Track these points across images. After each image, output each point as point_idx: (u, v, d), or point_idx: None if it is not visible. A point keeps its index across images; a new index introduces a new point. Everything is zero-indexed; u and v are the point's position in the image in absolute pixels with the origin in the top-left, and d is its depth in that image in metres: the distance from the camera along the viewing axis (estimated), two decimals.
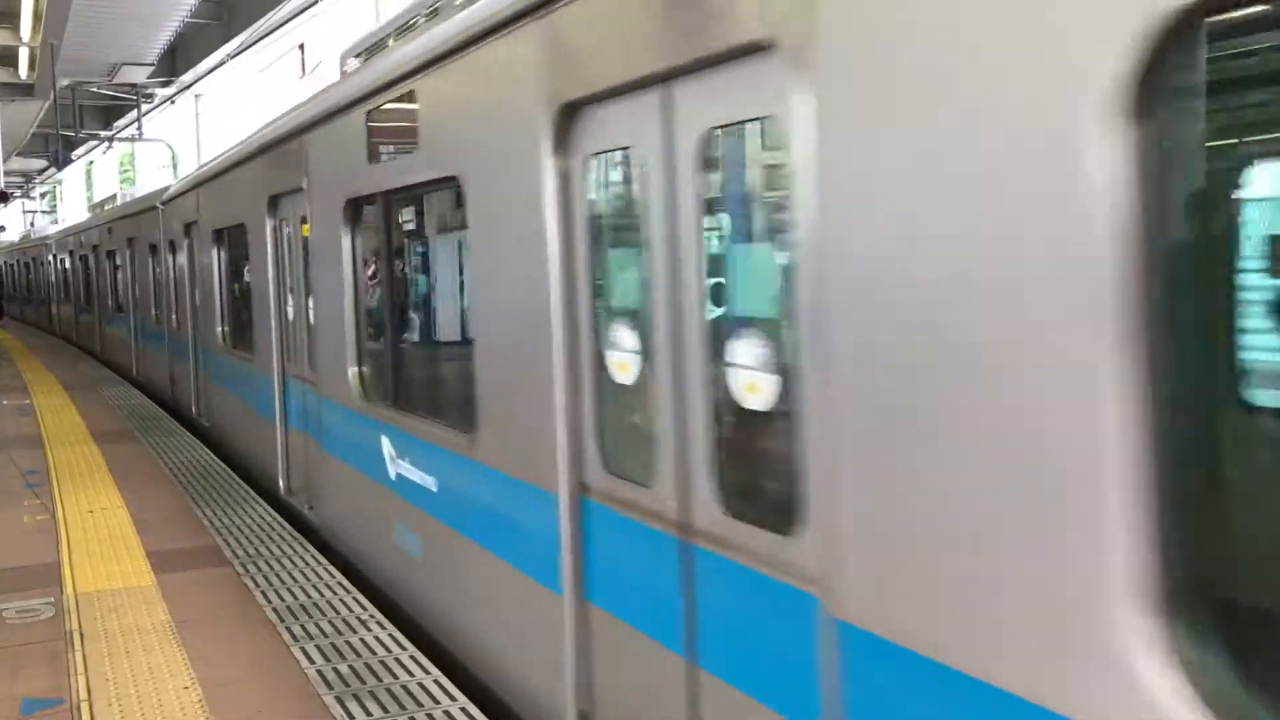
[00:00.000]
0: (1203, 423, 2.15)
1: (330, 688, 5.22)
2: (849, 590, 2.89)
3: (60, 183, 55.81)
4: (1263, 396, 2.23)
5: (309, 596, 6.60)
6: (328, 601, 6.50)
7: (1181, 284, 2.09)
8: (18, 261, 44.53)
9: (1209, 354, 2.21)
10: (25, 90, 27.76)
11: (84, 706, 5.08)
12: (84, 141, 32.31)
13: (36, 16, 22.39)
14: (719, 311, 3.67)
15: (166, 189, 16.41)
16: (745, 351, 3.49)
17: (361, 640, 5.84)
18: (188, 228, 13.92)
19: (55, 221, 50.30)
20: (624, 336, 4.12)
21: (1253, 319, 2.19)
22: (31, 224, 53.17)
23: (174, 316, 15.47)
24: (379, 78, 6.44)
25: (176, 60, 27.48)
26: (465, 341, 5.81)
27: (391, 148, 6.38)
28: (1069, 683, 2.21)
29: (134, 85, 28.00)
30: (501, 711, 5.20)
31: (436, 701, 5.02)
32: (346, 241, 7.25)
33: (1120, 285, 2.08)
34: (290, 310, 9.08)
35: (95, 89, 28.26)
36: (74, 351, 25.63)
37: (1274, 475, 2.27)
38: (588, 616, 4.44)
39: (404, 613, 6.54)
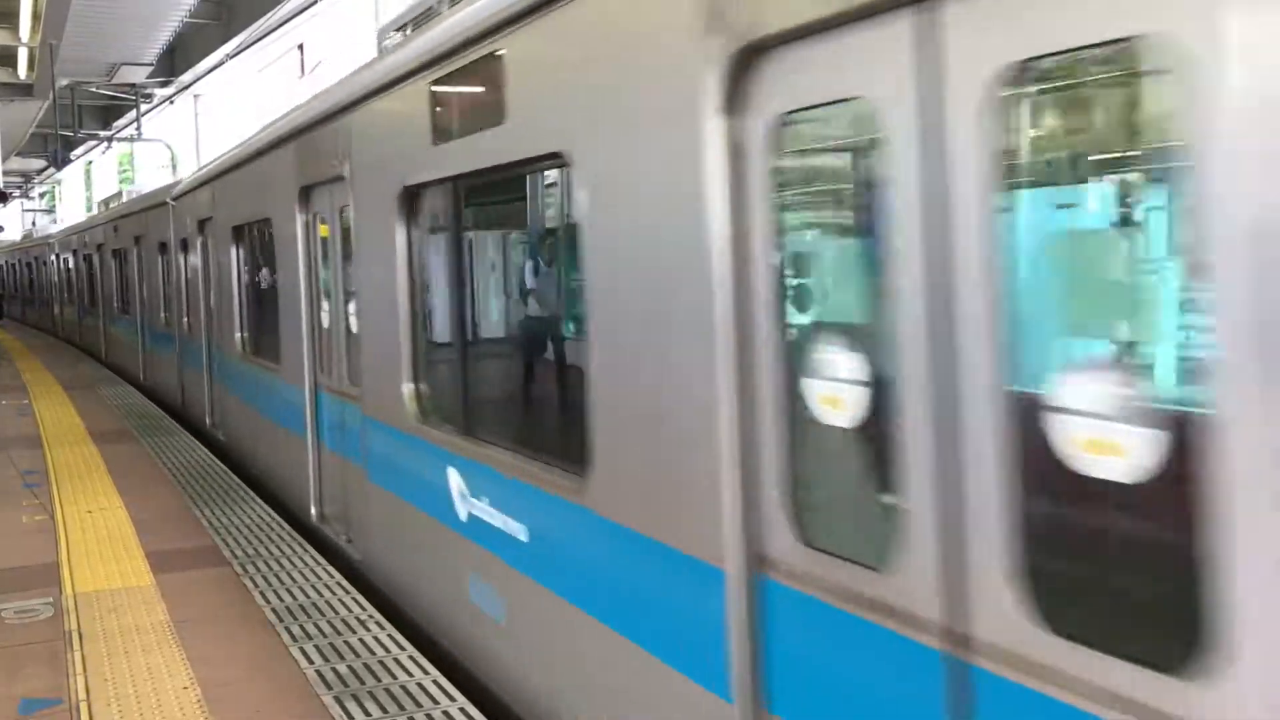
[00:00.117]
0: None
1: (329, 688, 5.22)
2: None
3: (59, 183, 55.78)
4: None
5: (308, 596, 6.60)
6: (326, 602, 6.50)
7: None
8: (19, 261, 43.68)
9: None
10: (24, 90, 27.74)
11: (83, 707, 5.08)
12: (83, 141, 32.27)
13: (36, 16, 22.39)
14: (1028, 335, 2.60)
15: (177, 183, 15.66)
16: (1088, 390, 2.37)
17: (360, 640, 5.84)
18: (202, 224, 12.91)
19: (54, 221, 50.28)
20: (837, 361, 3.12)
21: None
22: (33, 223, 53.13)
23: (185, 320, 14.49)
24: (450, 38, 5.34)
25: (175, 60, 27.47)
26: (565, 357, 5.22)
27: (464, 124, 5.30)
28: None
29: (133, 85, 27.99)
30: (501, 711, 5.19)
31: (436, 702, 5.02)
32: (401, 236, 6.17)
33: None
34: (325, 315, 8.10)
35: (94, 89, 28.24)
36: (75, 352, 25.56)
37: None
38: None
39: (478, 681, 5.49)
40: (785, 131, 3.20)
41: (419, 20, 7.16)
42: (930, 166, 2.68)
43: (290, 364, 8.87)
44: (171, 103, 31.18)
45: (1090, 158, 2.77)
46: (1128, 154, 2.68)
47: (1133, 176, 2.57)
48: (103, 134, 32.50)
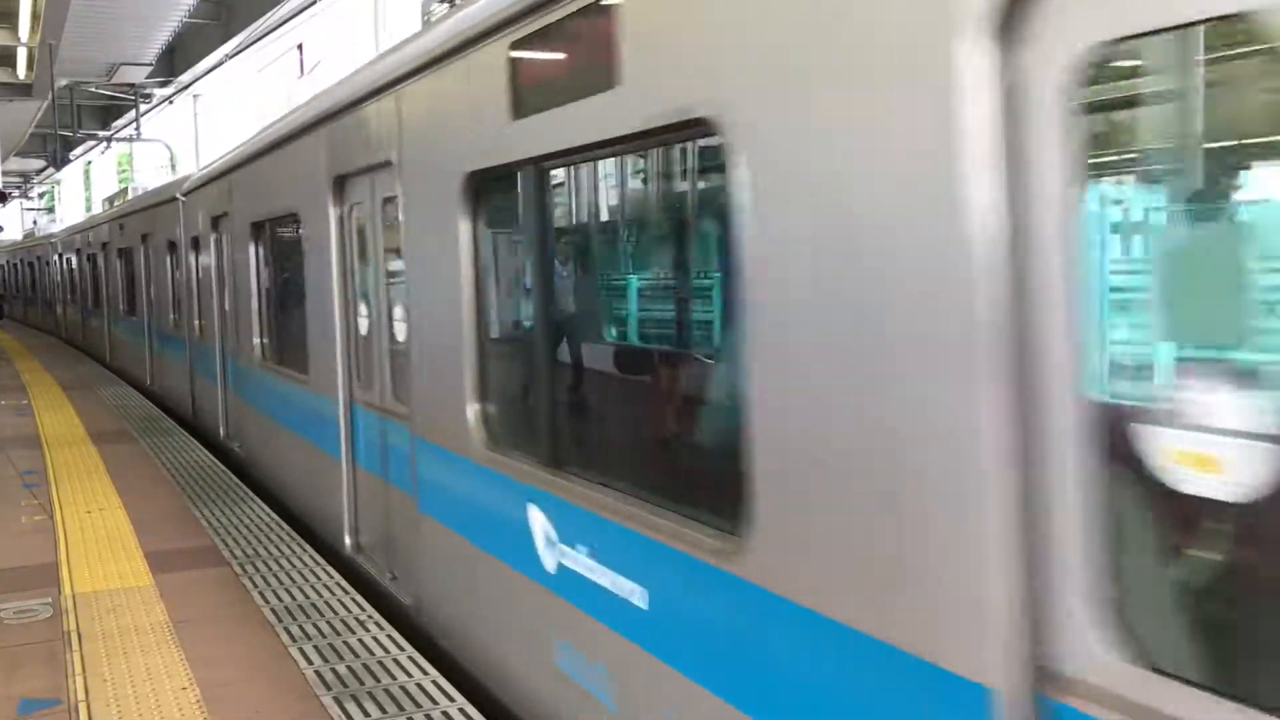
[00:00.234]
0: None
1: (329, 688, 5.21)
2: None
3: (59, 183, 55.79)
4: None
5: (307, 597, 6.59)
6: (325, 602, 6.49)
7: None
8: (21, 260, 42.49)
9: None
10: (23, 90, 27.74)
11: (82, 707, 5.07)
12: (82, 141, 32.27)
13: (35, 16, 22.38)
14: None
15: (187, 178, 14.60)
16: None
17: (360, 641, 5.83)
18: (216, 221, 11.97)
19: (54, 221, 50.25)
20: (1209, 401, 2.13)
21: None
22: (35, 222, 53.08)
23: (197, 323, 13.54)
24: None
25: (175, 60, 27.47)
26: (703, 378, 4.50)
27: (558, 92, 4.33)
28: None
29: (132, 85, 27.98)
30: (501, 712, 5.19)
31: (435, 702, 5.01)
32: (465, 231, 5.25)
33: None
34: (363, 321, 7.15)
35: (93, 89, 28.24)
36: (76, 354, 25.47)
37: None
38: None
39: None
40: (1098, 69, 2.26)
41: None
42: None
43: (320, 375, 7.96)
44: (171, 103, 31.19)
45: None
46: None
47: None
48: (102, 134, 32.50)
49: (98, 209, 43.40)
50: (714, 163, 3.87)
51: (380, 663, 5.51)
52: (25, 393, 17.38)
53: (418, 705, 4.98)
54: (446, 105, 5.56)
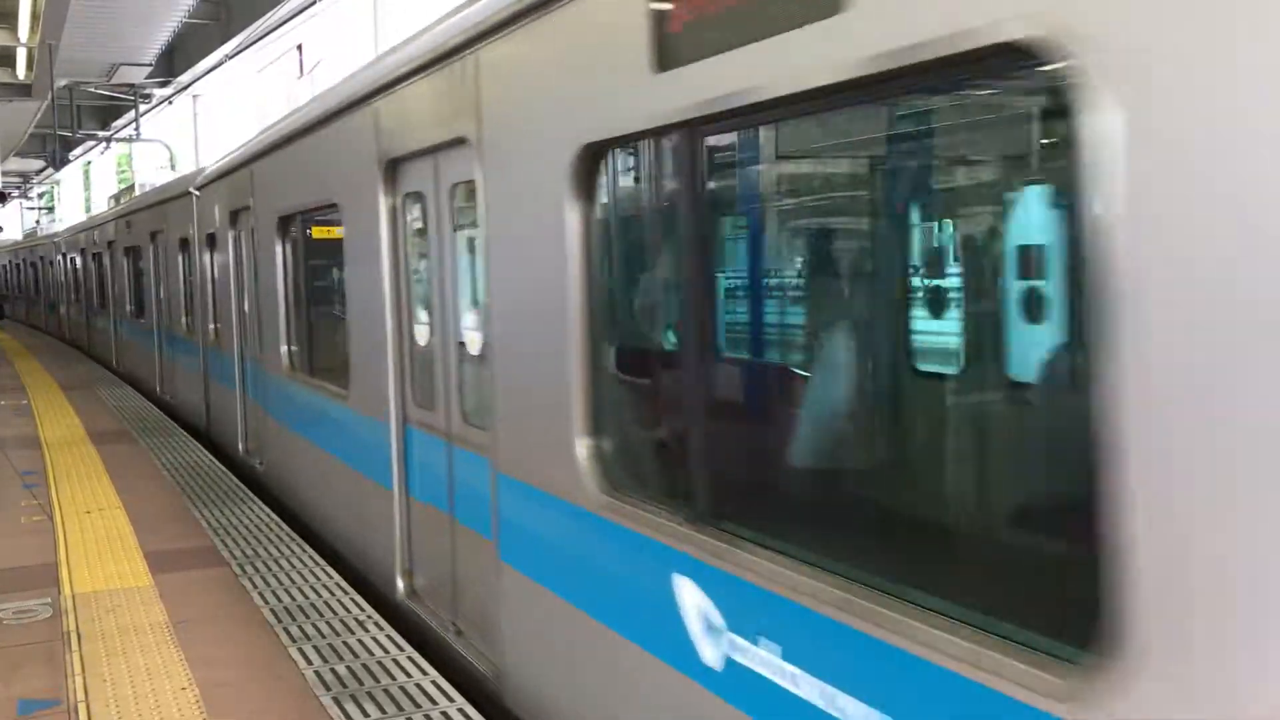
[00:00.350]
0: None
1: (328, 689, 5.21)
2: None
3: (58, 183, 55.80)
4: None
5: (306, 597, 6.59)
6: (325, 602, 6.49)
7: None
8: (24, 261, 41.15)
9: None
10: (23, 91, 27.73)
11: (81, 707, 5.07)
12: (81, 142, 32.28)
13: (34, 17, 22.37)
14: None
15: (201, 170, 13.56)
16: None
17: (359, 641, 5.83)
18: (235, 215, 10.98)
19: (53, 221, 50.23)
20: None
21: None
22: (37, 221, 53.03)
23: (213, 327, 12.60)
24: None
25: (174, 60, 27.46)
26: (1014, 406, 3.41)
27: (738, 28, 3.20)
28: None
29: (132, 85, 27.98)
30: (500, 712, 5.19)
31: (434, 702, 5.01)
32: (576, 218, 4.22)
33: None
34: (423, 330, 6.22)
35: (93, 89, 28.24)
36: (77, 355, 25.42)
37: None
38: None
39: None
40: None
41: None
42: None
43: (365, 390, 6.96)
44: (170, 103, 31.19)
45: None
46: None
47: None
48: (101, 134, 32.49)
49: (97, 209, 43.33)
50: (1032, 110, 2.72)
51: (380, 663, 5.51)
52: (25, 393, 17.38)
53: (417, 705, 4.98)
54: (548, 64, 4.47)
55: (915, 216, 3.97)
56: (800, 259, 4.43)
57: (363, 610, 6.34)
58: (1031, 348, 3.19)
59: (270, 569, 7.22)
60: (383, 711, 4.93)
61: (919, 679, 2.59)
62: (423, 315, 6.22)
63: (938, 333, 3.87)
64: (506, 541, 5.04)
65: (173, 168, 32.68)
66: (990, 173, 3.56)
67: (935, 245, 3.97)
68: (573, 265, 4.27)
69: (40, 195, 57.40)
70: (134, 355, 19.18)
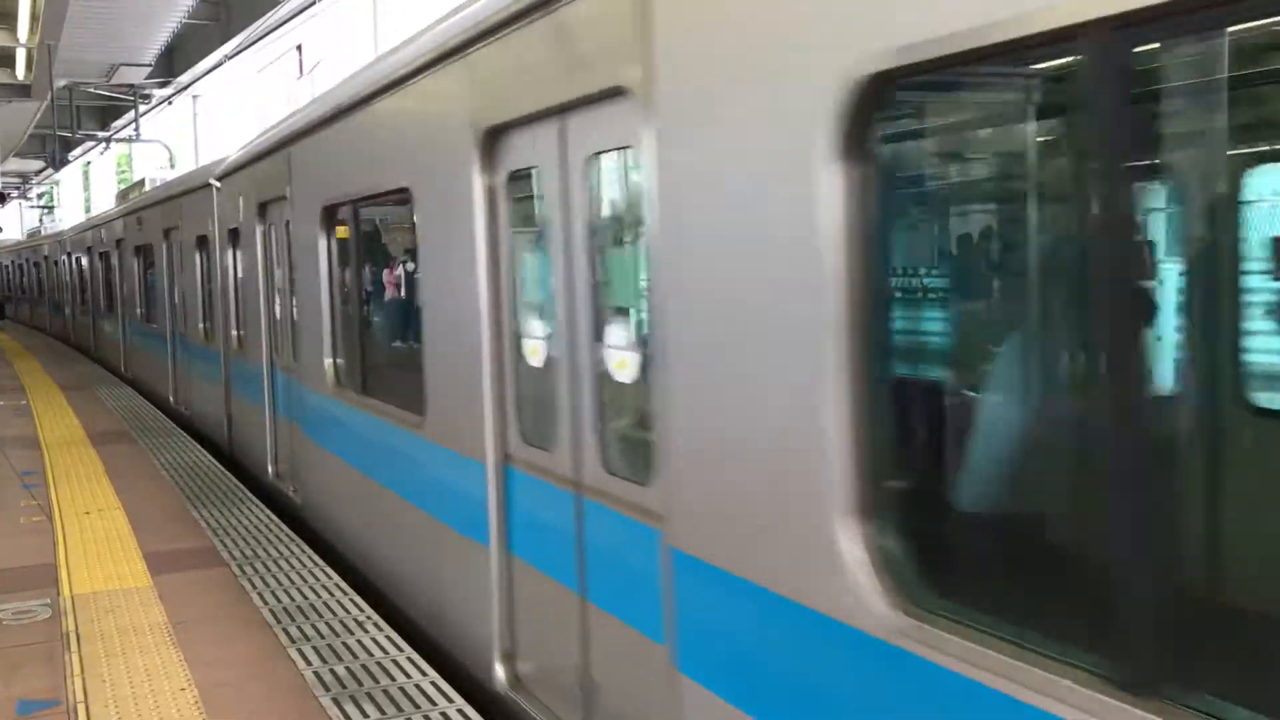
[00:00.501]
0: None
1: (327, 689, 5.21)
2: None
3: (57, 184, 55.80)
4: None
5: (305, 598, 6.59)
6: (324, 603, 6.49)
7: None
8: (28, 261, 39.55)
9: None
10: (22, 91, 27.75)
11: (80, 708, 5.07)
12: (81, 142, 32.27)
13: (34, 17, 22.38)
14: None
15: (222, 160, 12.23)
16: None
17: (359, 642, 5.83)
18: (265, 208, 9.78)
19: (54, 221, 50.19)
20: None
21: None
22: (40, 220, 52.93)
23: (236, 333, 11.41)
24: None
25: (174, 61, 27.46)
26: None
27: None
28: None
29: (131, 86, 27.97)
30: (500, 712, 5.18)
31: (434, 703, 5.01)
32: (836, 191, 2.87)
33: None
34: (537, 346, 4.93)
35: (92, 90, 28.24)
36: (76, 355, 25.39)
37: None
38: None
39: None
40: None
41: None
42: None
43: (447, 418, 5.71)
44: (170, 103, 31.19)
45: None
46: None
47: None
48: (101, 135, 32.49)
49: (97, 209, 43.28)
50: None
51: (379, 664, 5.51)
52: (24, 393, 17.38)
53: (416, 706, 4.98)
54: None
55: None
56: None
57: (362, 610, 6.33)
58: None
59: (270, 569, 7.22)
60: (382, 712, 4.93)
61: None
62: (536, 328, 4.91)
63: None
64: (690, 648, 3.64)
65: (172, 167, 32.69)
66: None
67: None
68: (832, 257, 2.85)
69: (40, 196, 57.41)
70: (145, 362, 17.86)
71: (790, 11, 2.99)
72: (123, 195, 23.48)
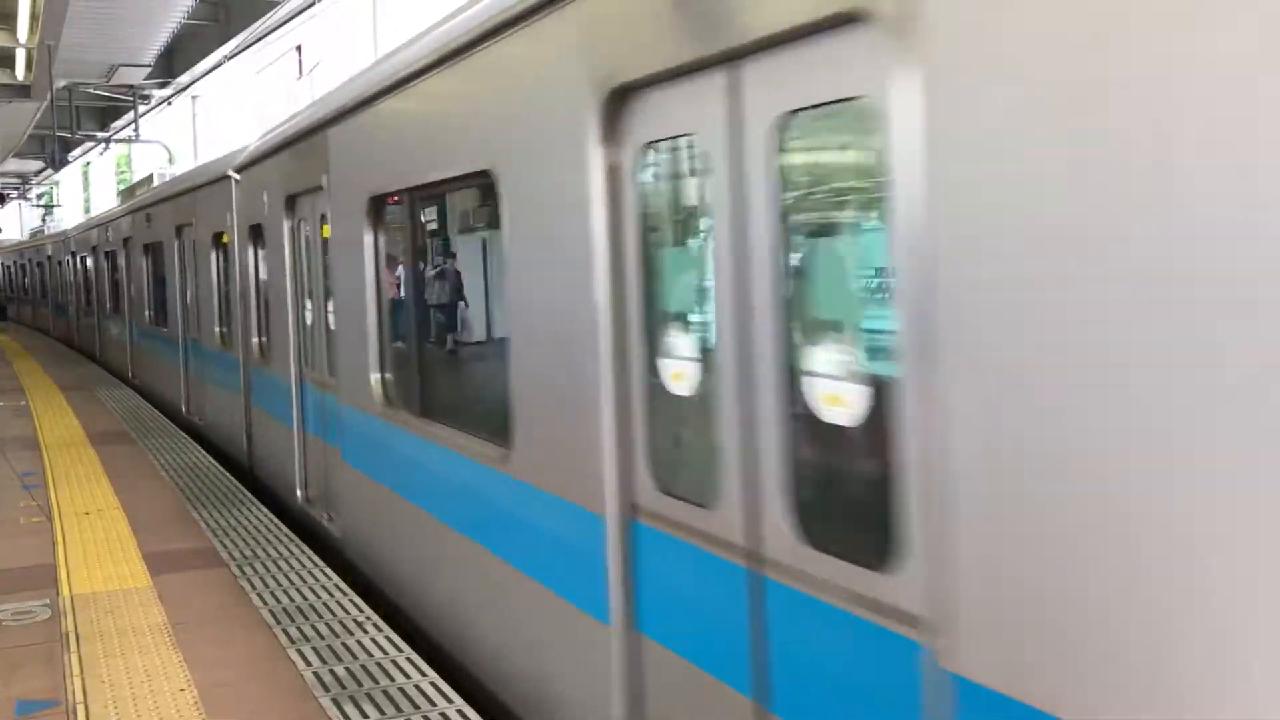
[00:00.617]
0: None
1: (327, 690, 5.21)
2: None
3: (57, 184, 55.81)
4: None
5: (305, 598, 6.59)
6: (324, 604, 6.49)
7: None
8: (30, 261, 38.40)
9: None
10: (22, 91, 27.75)
11: (80, 708, 5.07)
12: (80, 143, 32.30)
13: (33, 18, 22.38)
14: None
15: (242, 150, 11.25)
16: None
17: (359, 642, 5.83)
18: (294, 201, 8.82)
19: (54, 222, 50.14)
20: None
21: None
22: (43, 219, 52.88)
23: (257, 340, 10.46)
24: None
25: (174, 62, 27.46)
26: None
27: None
28: None
29: (131, 86, 27.97)
30: (501, 712, 5.19)
31: (434, 704, 5.01)
32: None
33: None
34: (687, 372, 3.83)
35: (92, 90, 28.25)
36: (76, 356, 25.35)
37: None
38: None
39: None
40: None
41: None
42: None
43: (544, 455, 4.63)
44: (169, 104, 31.20)
45: None
46: None
47: None
48: (100, 135, 32.51)
49: (96, 210, 43.23)
50: None
51: (379, 664, 5.51)
52: (24, 394, 17.38)
53: (416, 707, 4.98)
54: None
55: None
56: None
57: (361, 611, 6.33)
58: None
59: (269, 570, 7.22)
60: (382, 713, 4.93)
61: None
62: (682, 346, 3.83)
63: None
64: None
65: (170, 165, 32.66)
66: None
67: None
68: None
69: (39, 196, 57.41)
70: (154, 368, 16.79)
71: None
72: (129, 192, 22.85)
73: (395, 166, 6.34)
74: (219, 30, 23.90)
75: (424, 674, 5.36)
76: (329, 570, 7.19)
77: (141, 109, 29.31)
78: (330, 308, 7.89)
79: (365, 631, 5.99)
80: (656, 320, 3.96)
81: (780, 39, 3.11)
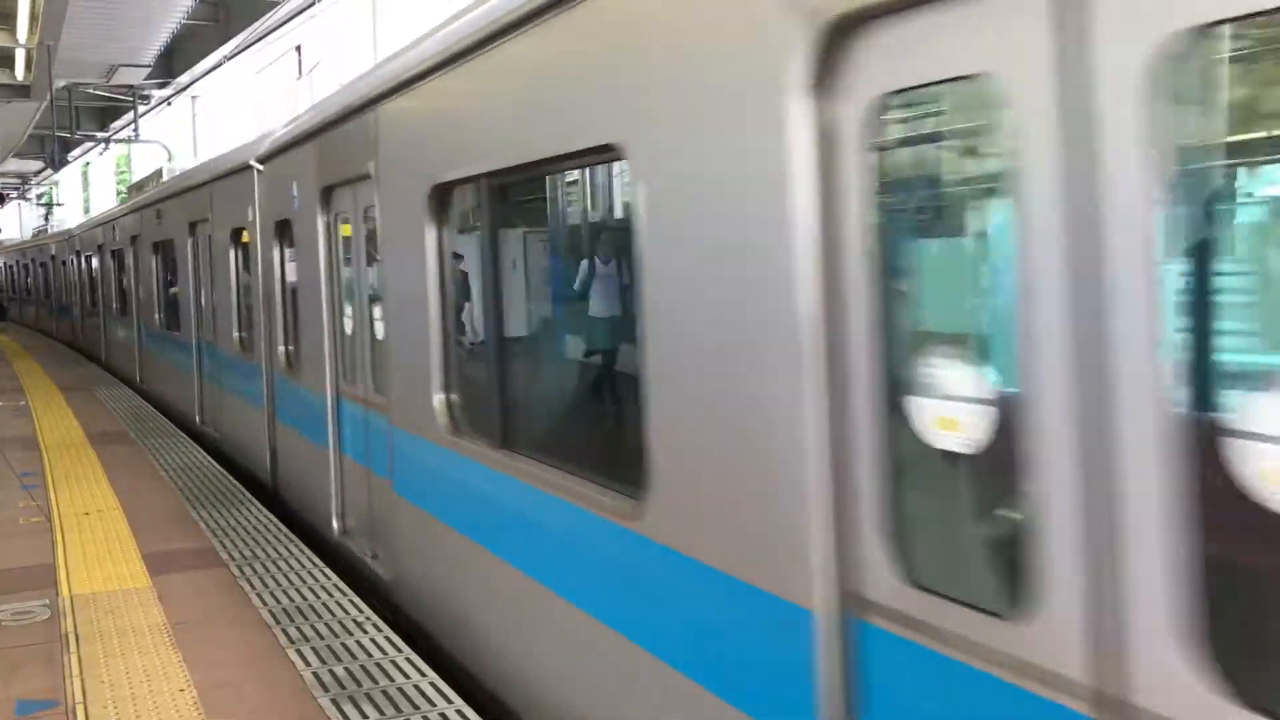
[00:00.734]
0: None
1: (326, 690, 5.21)
2: None
3: (57, 184, 55.81)
4: None
5: (305, 599, 6.59)
6: (324, 604, 6.49)
7: None
8: (33, 261, 37.36)
9: None
10: (21, 92, 27.75)
11: (79, 709, 5.07)
12: (80, 143, 32.31)
13: (33, 18, 22.38)
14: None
15: (267, 135, 10.16)
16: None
17: (358, 642, 5.83)
18: (330, 192, 7.77)
19: (53, 222, 50.12)
20: None
21: None
22: (45, 218, 52.83)
23: (284, 349, 9.43)
24: None
25: (173, 62, 27.47)
26: None
27: None
28: None
29: (130, 87, 27.99)
30: (501, 712, 5.19)
31: (433, 704, 5.01)
32: None
33: None
34: (959, 416, 2.71)
35: (92, 90, 28.26)
36: (75, 356, 25.33)
37: None
38: None
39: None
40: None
41: None
42: None
43: (698, 512, 3.55)
44: (169, 104, 31.21)
45: None
46: None
47: None
48: (100, 135, 32.51)
49: (96, 210, 43.15)
50: None
51: (379, 664, 5.51)
52: (23, 394, 17.37)
53: (415, 707, 4.98)
54: None
55: None
56: None
57: (361, 611, 6.33)
58: None
59: (269, 570, 7.22)
60: (381, 713, 4.93)
61: None
62: (956, 379, 2.73)
63: None
64: None
65: (170, 162, 32.65)
66: None
67: None
68: None
69: (39, 196, 57.42)
70: (164, 375, 15.77)
71: None
72: (137, 188, 22.05)
73: (471, 147, 5.23)
74: (219, 30, 23.91)
75: (424, 674, 5.36)
76: (328, 570, 7.19)
77: (141, 109, 29.33)
78: (377, 315, 6.90)
79: (365, 631, 5.99)
80: (904, 342, 2.85)
81: None
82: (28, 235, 53.23)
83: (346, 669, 5.46)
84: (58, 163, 33.56)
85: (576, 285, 5.54)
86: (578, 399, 5.18)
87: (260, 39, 23.02)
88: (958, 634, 2.61)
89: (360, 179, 6.98)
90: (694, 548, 3.54)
